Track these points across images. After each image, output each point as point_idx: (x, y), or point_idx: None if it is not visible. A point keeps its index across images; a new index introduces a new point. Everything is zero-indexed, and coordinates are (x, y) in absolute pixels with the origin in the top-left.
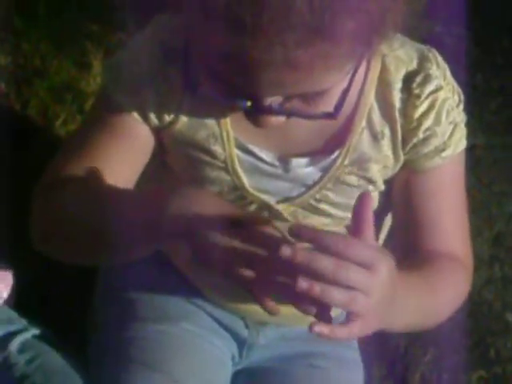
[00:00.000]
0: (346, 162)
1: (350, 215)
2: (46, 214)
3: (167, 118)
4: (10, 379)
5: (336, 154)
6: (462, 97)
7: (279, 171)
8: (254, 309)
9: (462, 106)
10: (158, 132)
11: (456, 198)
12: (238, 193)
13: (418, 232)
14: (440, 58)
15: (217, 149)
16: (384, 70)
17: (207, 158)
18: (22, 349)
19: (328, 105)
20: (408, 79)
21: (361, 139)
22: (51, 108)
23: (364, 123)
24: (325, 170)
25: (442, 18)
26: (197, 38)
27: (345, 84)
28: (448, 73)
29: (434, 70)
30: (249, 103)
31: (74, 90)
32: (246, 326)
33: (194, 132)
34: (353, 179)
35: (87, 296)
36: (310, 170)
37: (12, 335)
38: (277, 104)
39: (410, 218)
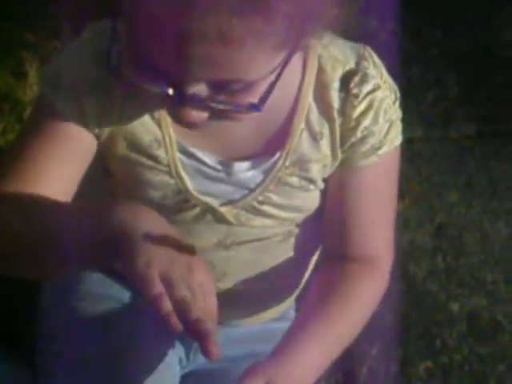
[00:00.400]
0: (287, 164)
1: (292, 215)
2: None
3: (108, 124)
4: None
5: (277, 156)
6: (398, 94)
7: (222, 175)
8: None
9: (398, 103)
10: (98, 138)
11: (385, 194)
12: (182, 196)
13: (338, 229)
14: (376, 57)
15: (160, 153)
16: (321, 70)
17: (150, 163)
18: None
19: (253, 98)
20: (346, 79)
21: (300, 140)
22: None
23: (303, 124)
24: (266, 173)
25: (374, 12)
26: (128, 13)
27: (272, 77)
28: (384, 70)
29: (371, 70)
30: (171, 91)
31: (12, 99)
32: None
33: (137, 137)
34: (294, 180)
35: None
36: (252, 173)
37: None
38: (200, 93)
39: (337, 211)
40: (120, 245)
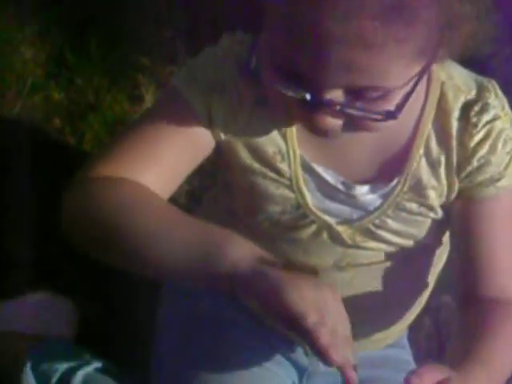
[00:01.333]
0: (405, 189)
1: (406, 242)
2: (98, 209)
3: (233, 130)
4: None
5: (395, 181)
6: None
7: (341, 196)
8: None
9: None
10: (219, 141)
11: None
12: (301, 211)
13: (474, 266)
14: (499, 90)
15: (283, 166)
16: (442, 97)
17: (273, 175)
18: (85, 383)
19: (386, 107)
20: (466, 108)
21: (419, 167)
22: (106, 142)
23: (422, 151)
24: (385, 197)
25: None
26: (271, 17)
27: (407, 88)
28: (506, 104)
29: (492, 100)
30: (308, 96)
31: (128, 123)
32: (306, 354)
33: (261, 148)
34: (413, 206)
35: (151, 328)
36: (371, 196)
37: (75, 369)
38: (336, 99)
39: (467, 247)
40: (242, 282)
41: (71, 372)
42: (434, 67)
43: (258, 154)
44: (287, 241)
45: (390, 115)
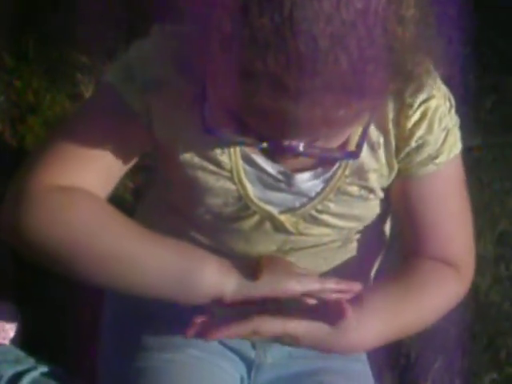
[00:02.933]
0: (347, 173)
1: (350, 225)
2: (56, 223)
3: (172, 127)
4: None
5: (336, 165)
6: (453, 101)
7: (282, 185)
8: None
9: (453, 111)
10: (159, 139)
11: (454, 203)
12: (242, 203)
13: (414, 238)
14: (430, 66)
15: (223, 159)
16: None
17: (213, 168)
18: None
19: (344, 138)
20: (400, 89)
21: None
22: (41, 142)
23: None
24: (326, 182)
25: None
26: (226, 90)
27: (365, 122)
28: (438, 79)
29: (424, 78)
30: (267, 144)
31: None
32: (253, 347)
33: (201, 142)
34: (354, 189)
35: (95, 329)
36: (312, 182)
37: (20, 375)
38: (296, 144)
39: (408, 224)
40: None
41: (17, 378)
42: None
43: (197, 148)
44: (229, 231)
45: (350, 156)
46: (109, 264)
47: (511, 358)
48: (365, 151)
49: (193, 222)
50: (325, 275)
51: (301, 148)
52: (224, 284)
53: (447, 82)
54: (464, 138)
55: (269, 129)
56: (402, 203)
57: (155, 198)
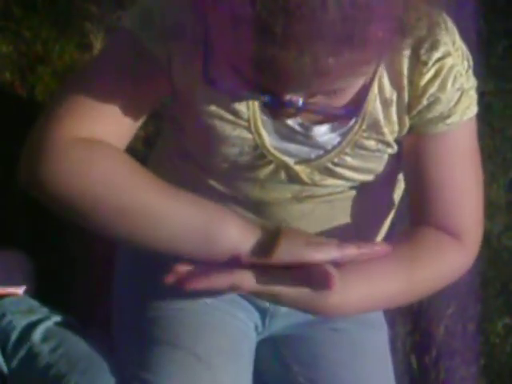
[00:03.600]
0: (364, 127)
1: (364, 177)
2: (76, 175)
3: (192, 73)
4: (35, 369)
5: (353, 120)
6: (471, 62)
7: (300, 137)
8: None
9: (471, 72)
10: (178, 86)
11: (463, 169)
12: (258, 152)
13: (420, 203)
14: (450, 23)
15: (242, 108)
16: None
17: (231, 117)
18: (45, 338)
19: (349, 95)
20: (416, 45)
21: (374, 105)
22: (59, 91)
23: (376, 90)
24: (343, 136)
25: None
26: (221, 38)
27: (367, 79)
28: (457, 37)
29: (442, 36)
30: (267, 98)
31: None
32: None
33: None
34: (371, 143)
35: (109, 279)
36: (329, 136)
37: (34, 325)
38: (296, 99)
39: (415, 185)
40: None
41: (31, 328)
42: None
43: (215, 97)
44: (244, 179)
45: (350, 114)
46: (128, 217)
47: None
48: (379, 107)
49: (208, 170)
50: (339, 228)
51: (300, 103)
52: (243, 243)
53: (458, 27)
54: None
55: (266, 80)
56: (411, 161)
57: (168, 146)
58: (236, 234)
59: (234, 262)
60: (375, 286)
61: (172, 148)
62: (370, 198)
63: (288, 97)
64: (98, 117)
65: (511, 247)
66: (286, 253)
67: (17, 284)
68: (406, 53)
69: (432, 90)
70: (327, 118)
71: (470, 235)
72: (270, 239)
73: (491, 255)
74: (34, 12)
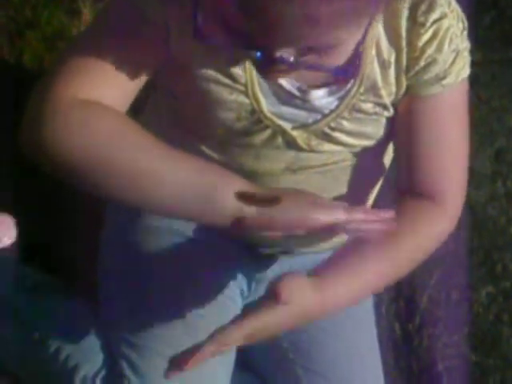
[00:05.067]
0: (361, 90)
1: (361, 143)
2: (78, 135)
3: (188, 36)
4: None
5: (351, 83)
6: (466, 23)
7: (297, 101)
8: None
9: (465, 33)
10: (174, 51)
11: (454, 131)
12: (255, 116)
13: (408, 168)
14: None
15: (238, 71)
16: None
17: (227, 81)
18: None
19: (341, 56)
20: (413, 7)
21: (372, 67)
22: (45, 57)
23: (374, 51)
24: (341, 100)
25: None
26: None
27: (359, 36)
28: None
29: None
30: (258, 53)
31: (66, 37)
32: (257, 262)
33: (216, 54)
34: (368, 106)
35: (95, 243)
36: (326, 99)
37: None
38: (288, 56)
39: (407, 145)
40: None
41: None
42: None
43: (212, 60)
44: (240, 146)
45: (343, 72)
46: (130, 177)
47: (507, 272)
48: (377, 68)
49: (201, 136)
50: (331, 197)
51: (291, 59)
52: (245, 206)
53: None
54: None
55: (256, 33)
56: (403, 123)
57: (156, 113)
58: (241, 196)
59: (237, 226)
60: (356, 279)
61: (162, 116)
62: (362, 166)
63: (279, 53)
64: (98, 81)
65: (496, 217)
66: (291, 210)
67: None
68: (404, 14)
69: (430, 51)
70: (324, 80)
71: (453, 200)
72: (273, 198)
73: (476, 224)
74: None
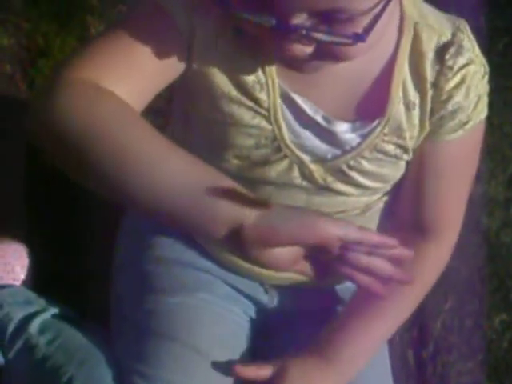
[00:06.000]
0: (386, 131)
1: (376, 185)
2: (82, 111)
3: (214, 54)
4: (32, 362)
5: (376, 122)
6: (488, 68)
7: (320, 130)
8: (271, 273)
9: (487, 77)
10: (193, 64)
11: (466, 168)
12: (275, 144)
13: (417, 198)
14: (469, 30)
15: (262, 96)
16: (416, 38)
17: (251, 104)
18: (42, 329)
19: (353, 30)
20: (441, 50)
21: (398, 108)
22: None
23: (400, 92)
24: (364, 137)
25: None
26: None
27: (376, 11)
28: (476, 45)
29: (466, 42)
30: (274, 21)
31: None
32: (266, 292)
33: (241, 76)
34: (390, 148)
35: (107, 271)
36: (349, 135)
37: (31, 317)
38: (303, 23)
39: (417, 181)
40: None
41: (28, 320)
42: (406, 5)
43: (236, 81)
44: (252, 183)
45: (358, 38)
46: (125, 162)
47: None
48: (402, 110)
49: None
50: None
51: (307, 25)
52: (244, 211)
53: None
54: None
55: None
56: (416, 164)
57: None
58: (236, 203)
59: (235, 238)
60: (366, 341)
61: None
62: (370, 219)
63: (294, 20)
64: (118, 75)
65: (509, 243)
66: (299, 222)
67: (15, 276)
68: (430, 56)
69: (458, 97)
70: (349, 114)
71: (455, 231)
72: (278, 209)
73: (489, 251)
74: (34, 4)
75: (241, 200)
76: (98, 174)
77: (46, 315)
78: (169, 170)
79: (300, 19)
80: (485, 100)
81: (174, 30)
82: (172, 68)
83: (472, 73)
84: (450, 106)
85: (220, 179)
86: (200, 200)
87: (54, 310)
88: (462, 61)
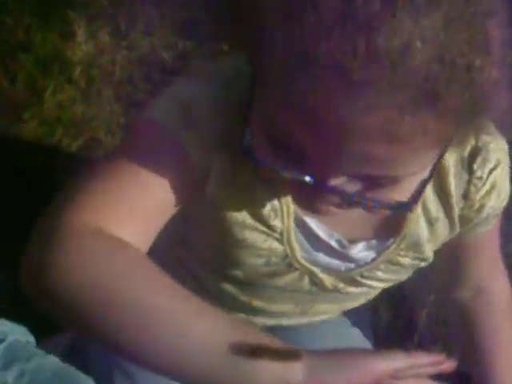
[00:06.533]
0: (402, 246)
1: (387, 285)
2: (87, 266)
3: (230, 187)
4: None
5: (391, 240)
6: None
7: (334, 252)
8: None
9: (508, 158)
10: (209, 196)
11: (494, 245)
12: (287, 261)
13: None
14: (491, 124)
15: (276, 223)
16: None
17: (264, 229)
18: (5, 363)
19: (398, 194)
20: (468, 160)
21: (417, 226)
22: (39, 80)
23: (420, 211)
24: (378, 253)
25: None
26: (271, 97)
27: (425, 174)
28: (498, 134)
29: (492, 145)
30: (309, 179)
31: (60, 60)
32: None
33: (256, 206)
34: (406, 260)
35: None
36: (364, 253)
37: None
38: (341, 186)
39: (451, 270)
40: None
41: None
42: None
43: (251, 210)
44: (257, 286)
45: (405, 207)
46: (144, 322)
47: None
48: (423, 226)
49: (221, 276)
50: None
51: (347, 190)
52: (289, 369)
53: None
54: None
55: (312, 154)
56: (450, 247)
57: (167, 251)
58: (277, 360)
59: None
60: None
61: (172, 254)
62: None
63: (333, 182)
64: (119, 217)
65: None
66: (349, 370)
67: None
68: (451, 171)
69: (490, 203)
70: (363, 234)
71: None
72: (321, 359)
73: None
74: None
75: (280, 356)
76: (119, 341)
77: (4, 344)
78: (200, 329)
79: (339, 181)
80: (507, 187)
81: (187, 166)
82: (178, 201)
83: (500, 173)
84: (484, 213)
85: (255, 335)
86: (238, 363)
87: (13, 336)
88: (489, 166)
